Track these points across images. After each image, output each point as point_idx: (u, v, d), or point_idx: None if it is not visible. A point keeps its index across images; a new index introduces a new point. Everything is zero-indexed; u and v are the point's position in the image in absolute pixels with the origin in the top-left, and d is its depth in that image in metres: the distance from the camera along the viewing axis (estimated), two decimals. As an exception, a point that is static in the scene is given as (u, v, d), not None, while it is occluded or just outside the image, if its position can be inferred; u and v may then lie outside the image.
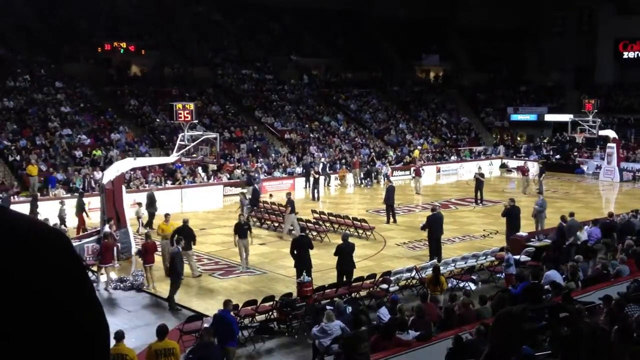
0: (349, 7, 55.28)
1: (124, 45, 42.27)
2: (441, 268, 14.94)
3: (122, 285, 16.28)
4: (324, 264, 15.87)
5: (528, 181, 31.27)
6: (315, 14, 53.51)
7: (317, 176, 30.39)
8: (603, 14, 51.22)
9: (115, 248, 17.36)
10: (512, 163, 41.72)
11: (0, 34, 38.07)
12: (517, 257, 16.71)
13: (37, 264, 0.77)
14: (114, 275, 16.97)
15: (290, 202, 21.44)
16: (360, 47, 54.14)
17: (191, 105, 21.36)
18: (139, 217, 22.88)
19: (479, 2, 54.19)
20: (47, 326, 0.75)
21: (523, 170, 31.84)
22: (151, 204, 23.45)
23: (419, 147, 41.07)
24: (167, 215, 18.33)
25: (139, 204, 23.46)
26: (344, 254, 15.32)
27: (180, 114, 20.77)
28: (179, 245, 15.49)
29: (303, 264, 15.24)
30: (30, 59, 37.80)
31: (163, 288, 15.58)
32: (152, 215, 23.21)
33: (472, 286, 15.41)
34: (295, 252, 15.57)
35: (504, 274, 15.87)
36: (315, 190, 29.76)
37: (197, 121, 24.37)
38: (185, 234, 16.83)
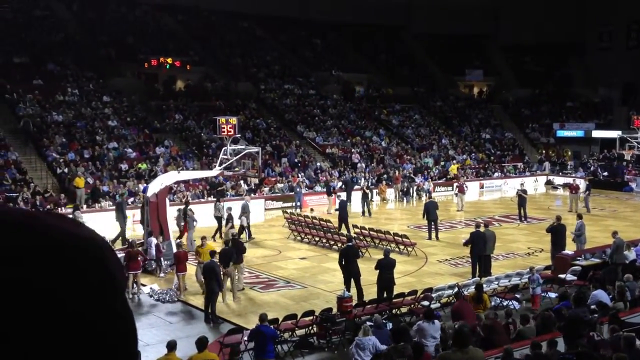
0: (391, 23, 55.32)
1: (169, 60, 43.08)
2: (484, 286, 14.68)
3: (165, 297, 16.45)
4: (364, 279, 15.80)
5: (577, 199, 30.47)
6: (357, 29, 53.76)
7: (367, 191, 30.26)
8: (652, 29, 50.08)
9: (142, 256, 17.70)
10: (558, 180, 40.90)
11: (51, 50, 39.22)
12: (562, 275, 16.32)
13: (60, 274, 0.75)
14: (156, 287, 17.19)
15: (230, 218, 21.56)
16: (402, 62, 54.13)
17: (234, 120, 21.61)
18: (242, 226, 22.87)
19: (523, 17, 53.59)
20: (62, 337, 0.73)
21: (572, 188, 31.01)
22: (244, 214, 23.15)
23: (454, 162, 40.46)
24: (203, 239, 17.51)
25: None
26: (385, 269, 15.23)
27: (224, 128, 21.07)
28: (214, 258, 15.47)
29: (351, 273, 15.56)
30: (79, 74, 38.79)
31: (199, 301, 15.64)
32: (243, 226, 22.80)
33: (517, 305, 15.11)
34: (342, 263, 15.70)
35: (531, 293, 15.52)
36: (365, 204, 29.57)
37: (239, 135, 24.62)
38: (228, 249, 16.86)
